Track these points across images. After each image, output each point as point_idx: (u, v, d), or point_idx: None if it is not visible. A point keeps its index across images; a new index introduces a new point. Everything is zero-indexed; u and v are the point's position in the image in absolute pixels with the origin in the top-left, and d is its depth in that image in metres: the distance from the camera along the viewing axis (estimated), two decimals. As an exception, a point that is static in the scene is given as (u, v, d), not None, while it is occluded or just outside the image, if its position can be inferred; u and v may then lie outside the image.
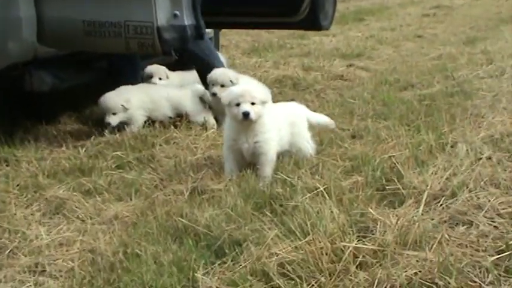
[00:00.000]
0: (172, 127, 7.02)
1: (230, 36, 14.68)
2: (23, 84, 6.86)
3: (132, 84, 7.43)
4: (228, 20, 8.78)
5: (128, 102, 7.03)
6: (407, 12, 20.81)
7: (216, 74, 7.00)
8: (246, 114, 5.19)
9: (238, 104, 5.24)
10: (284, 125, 5.62)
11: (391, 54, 12.51)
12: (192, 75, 8.04)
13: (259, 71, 10.67)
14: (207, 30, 8.56)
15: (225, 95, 5.45)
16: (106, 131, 6.95)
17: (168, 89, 7.56)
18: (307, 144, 5.74)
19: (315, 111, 7.33)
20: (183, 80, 8.20)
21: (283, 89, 9.31)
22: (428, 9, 21.10)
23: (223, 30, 11.66)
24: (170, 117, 7.33)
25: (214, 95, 6.89)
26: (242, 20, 8.78)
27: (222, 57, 8.72)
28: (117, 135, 6.84)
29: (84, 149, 6.45)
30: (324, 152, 5.85)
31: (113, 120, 6.99)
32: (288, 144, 5.66)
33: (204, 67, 7.68)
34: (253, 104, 5.24)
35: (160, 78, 8.03)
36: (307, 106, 7.64)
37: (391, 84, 9.02)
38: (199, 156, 6.02)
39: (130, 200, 5.12)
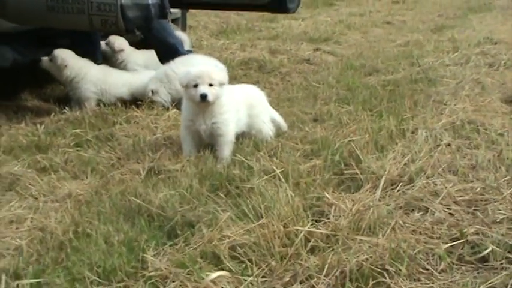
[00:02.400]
0: (133, 106, 6.95)
1: (199, 18, 14.57)
2: (-17, 59, 6.76)
3: None
4: (195, 1, 8.71)
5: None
6: (378, -1, 20.82)
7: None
8: (203, 96, 5.13)
9: (196, 86, 5.18)
10: (242, 106, 5.56)
11: (358, 40, 12.49)
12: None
13: (226, 53, 10.60)
14: (174, 10, 8.53)
15: (182, 76, 5.37)
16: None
17: (126, 73, 7.57)
18: (267, 126, 5.69)
19: (279, 94, 7.36)
20: (148, 59, 8.15)
21: (249, 71, 9.25)
22: (398, -4, 21.13)
23: (191, 11, 11.57)
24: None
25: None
26: (209, 1, 8.72)
27: (185, 36, 8.71)
28: (77, 112, 6.77)
29: (42, 126, 6.38)
30: (285, 135, 5.81)
31: None
32: (246, 126, 5.61)
33: (161, 46, 7.71)
34: (211, 85, 5.18)
35: (107, 44, 8.10)
36: (271, 89, 7.67)
37: (357, 69, 8.99)
38: (159, 136, 5.95)
39: (86, 178, 5.06)
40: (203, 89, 5.14)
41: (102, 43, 8.07)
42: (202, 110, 5.27)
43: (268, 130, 5.68)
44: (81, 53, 7.34)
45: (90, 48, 7.82)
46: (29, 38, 7.24)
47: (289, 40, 12.00)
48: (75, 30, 7.21)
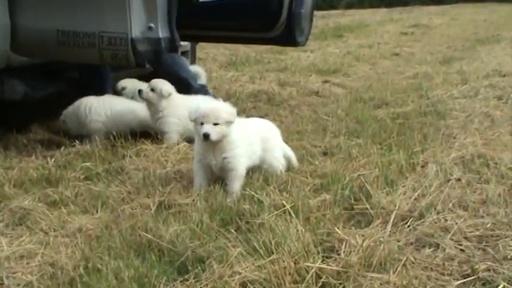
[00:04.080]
0: (143, 139, 6.97)
1: (208, 50, 14.67)
2: (-6, 92, 6.80)
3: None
4: (205, 34, 8.77)
5: None
6: (386, 30, 20.93)
7: None
8: (206, 136, 5.15)
9: (202, 123, 5.20)
10: (256, 140, 5.57)
11: (367, 72, 12.53)
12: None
13: (235, 85, 10.65)
14: (184, 43, 8.59)
15: (191, 111, 5.39)
16: None
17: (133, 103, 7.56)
18: (278, 161, 5.70)
19: (288, 127, 7.36)
20: None
21: (258, 104, 9.28)
22: (406, 28, 21.25)
23: (200, 43, 11.64)
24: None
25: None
26: (218, 34, 8.77)
27: (200, 69, 8.78)
28: (88, 146, 6.78)
29: (53, 159, 6.38)
30: (294, 168, 5.81)
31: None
32: (259, 160, 5.61)
33: (172, 80, 7.74)
34: (216, 124, 5.19)
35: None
36: (281, 121, 7.69)
37: (366, 102, 9.02)
38: (169, 170, 5.95)
39: (96, 212, 5.04)
40: (207, 128, 5.16)
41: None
42: (211, 146, 5.29)
43: (279, 165, 5.68)
44: (90, 86, 7.39)
45: (98, 82, 7.86)
46: (39, 72, 7.29)
47: (298, 72, 12.06)
48: (84, 64, 7.27)
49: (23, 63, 6.84)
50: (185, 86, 7.80)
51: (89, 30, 6.20)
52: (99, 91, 7.54)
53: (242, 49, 15.49)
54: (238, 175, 5.31)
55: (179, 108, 6.86)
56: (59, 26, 6.28)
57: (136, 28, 6.15)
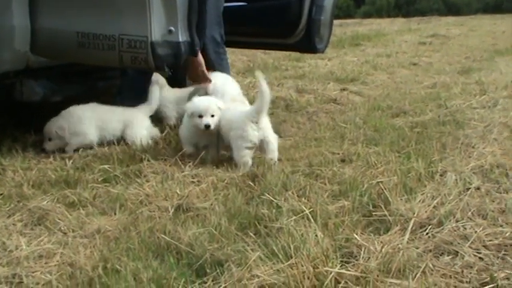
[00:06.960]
0: (162, 143, 6.97)
1: (225, 55, 14.66)
2: (13, 93, 6.82)
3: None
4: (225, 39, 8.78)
5: None
6: (404, 40, 20.89)
7: None
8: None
9: None
10: None
11: (385, 81, 12.49)
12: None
13: (253, 91, 10.62)
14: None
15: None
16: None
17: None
18: None
19: (306, 133, 7.37)
20: (179, 98, 8.14)
21: (276, 110, 9.24)
22: (424, 38, 21.20)
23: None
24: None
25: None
26: (238, 39, 8.79)
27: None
28: (106, 148, 6.80)
29: (71, 161, 6.41)
30: (313, 174, 5.80)
31: None
32: None
33: None
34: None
35: None
36: (298, 128, 7.68)
37: (384, 111, 8.99)
38: (187, 174, 5.94)
39: (115, 214, 5.04)
40: None
41: None
42: None
43: None
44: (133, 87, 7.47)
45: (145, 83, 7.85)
46: (59, 74, 7.31)
47: (316, 79, 12.04)
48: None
49: (42, 65, 6.86)
50: None
51: (109, 32, 6.22)
52: (142, 92, 7.57)
53: (260, 56, 15.50)
54: None
55: None
56: (79, 28, 6.31)
57: (157, 31, 6.17)
